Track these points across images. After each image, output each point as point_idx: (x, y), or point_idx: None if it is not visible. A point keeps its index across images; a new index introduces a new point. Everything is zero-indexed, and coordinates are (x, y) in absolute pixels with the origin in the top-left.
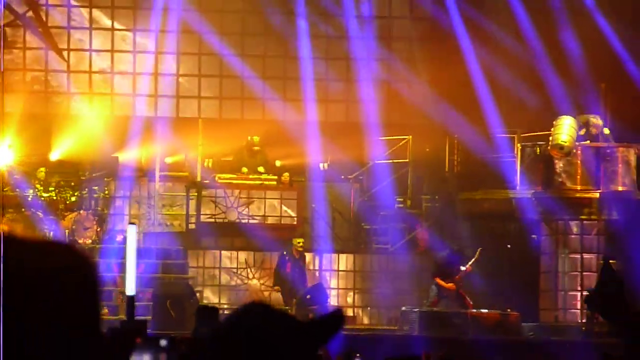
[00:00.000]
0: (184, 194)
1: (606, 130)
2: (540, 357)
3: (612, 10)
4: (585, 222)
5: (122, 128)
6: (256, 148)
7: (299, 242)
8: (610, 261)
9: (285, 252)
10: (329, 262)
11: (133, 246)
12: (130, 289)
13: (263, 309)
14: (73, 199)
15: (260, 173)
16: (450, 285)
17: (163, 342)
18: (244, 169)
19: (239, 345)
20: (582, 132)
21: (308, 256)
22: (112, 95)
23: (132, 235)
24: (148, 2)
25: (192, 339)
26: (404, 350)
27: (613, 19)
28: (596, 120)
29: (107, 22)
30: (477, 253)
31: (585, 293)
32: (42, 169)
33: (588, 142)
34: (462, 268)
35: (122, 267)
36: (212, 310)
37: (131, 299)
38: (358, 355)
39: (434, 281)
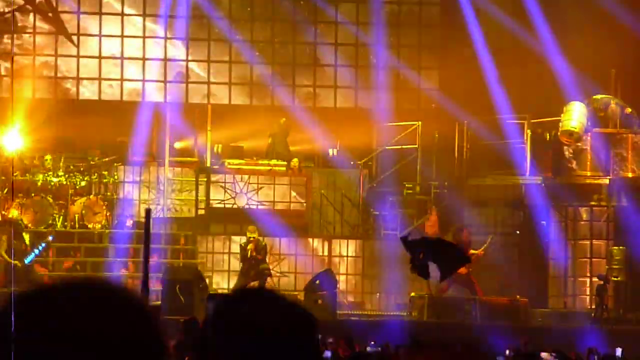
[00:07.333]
0: (193, 179)
1: (628, 109)
2: (549, 344)
3: None
4: (594, 208)
5: (132, 113)
6: (282, 120)
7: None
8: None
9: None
10: (337, 247)
11: (150, 231)
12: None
13: (257, 294)
14: (83, 183)
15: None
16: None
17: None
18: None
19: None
20: (602, 114)
21: (316, 241)
22: (122, 81)
23: (149, 220)
24: None
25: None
26: (412, 336)
27: (625, 3)
28: (615, 102)
29: (116, 7)
30: (489, 239)
31: (594, 279)
32: (48, 156)
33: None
34: (474, 252)
35: (131, 252)
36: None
37: (146, 284)
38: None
39: None
